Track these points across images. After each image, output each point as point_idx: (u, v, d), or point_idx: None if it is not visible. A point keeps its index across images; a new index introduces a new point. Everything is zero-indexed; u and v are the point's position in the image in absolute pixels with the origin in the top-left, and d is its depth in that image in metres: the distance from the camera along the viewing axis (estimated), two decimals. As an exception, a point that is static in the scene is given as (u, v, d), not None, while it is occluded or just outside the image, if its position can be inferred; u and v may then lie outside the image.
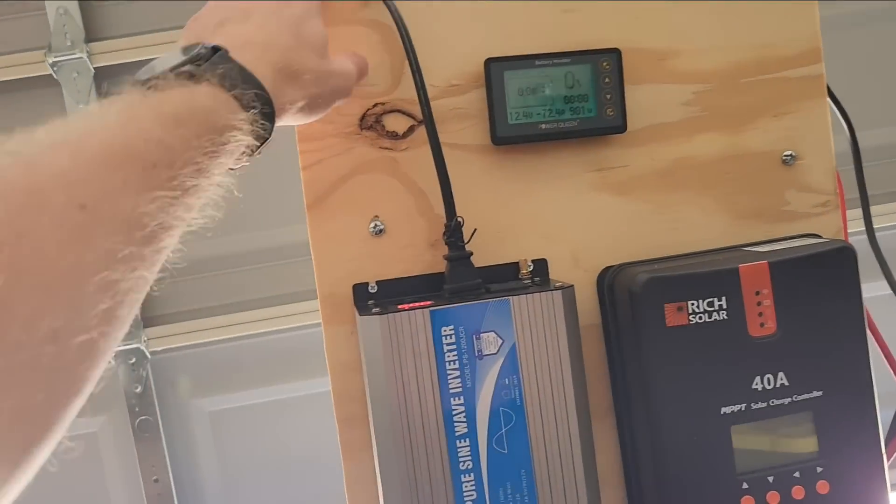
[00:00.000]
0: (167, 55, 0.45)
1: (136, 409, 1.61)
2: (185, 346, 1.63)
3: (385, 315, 0.54)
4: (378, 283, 0.61)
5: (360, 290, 0.61)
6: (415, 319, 0.54)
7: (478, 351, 0.55)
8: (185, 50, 0.45)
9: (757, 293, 0.57)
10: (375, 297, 0.61)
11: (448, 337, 0.54)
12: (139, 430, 1.61)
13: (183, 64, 0.44)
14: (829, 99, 0.67)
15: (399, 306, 0.56)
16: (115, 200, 0.34)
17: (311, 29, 0.52)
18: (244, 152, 0.45)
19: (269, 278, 1.62)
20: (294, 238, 1.56)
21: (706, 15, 0.65)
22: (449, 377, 0.54)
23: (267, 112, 0.46)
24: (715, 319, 0.57)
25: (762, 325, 0.57)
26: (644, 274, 0.57)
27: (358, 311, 0.57)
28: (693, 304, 0.56)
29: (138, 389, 1.60)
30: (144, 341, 1.59)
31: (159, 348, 1.61)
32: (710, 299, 0.57)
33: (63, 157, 0.34)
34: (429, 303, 0.56)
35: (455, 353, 0.54)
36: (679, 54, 0.64)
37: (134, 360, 1.59)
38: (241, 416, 1.66)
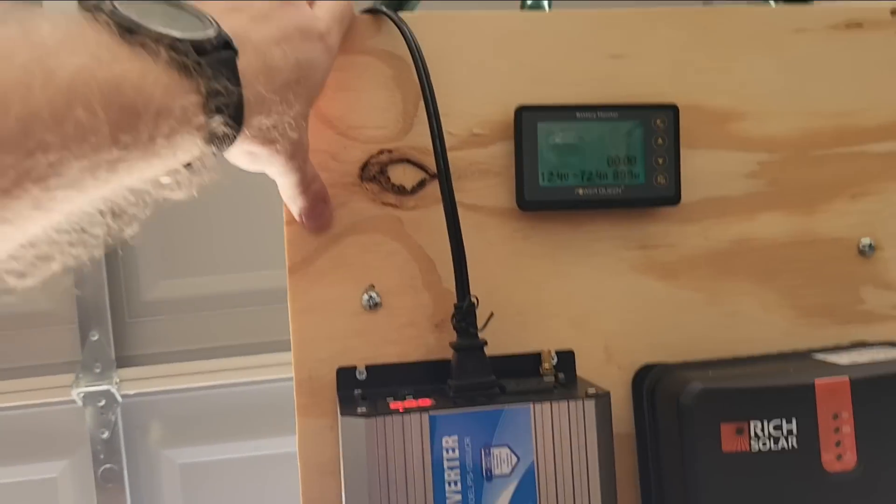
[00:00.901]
0: (163, 5, 0.35)
1: (101, 457, 1.48)
2: (159, 390, 1.50)
3: (373, 418, 0.43)
4: (368, 368, 0.50)
5: (345, 376, 0.50)
6: (410, 425, 0.43)
7: (486, 470, 0.43)
8: (191, 20, 0.35)
9: (835, 417, 0.46)
10: (364, 386, 0.50)
11: (450, 450, 0.43)
12: (102, 479, 1.48)
13: (181, 41, 0.33)
14: (914, 181, 0.57)
15: (391, 404, 0.45)
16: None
17: (320, 78, 0.43)
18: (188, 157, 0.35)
19: (257, 323, 1.51)
20: (285, 282, 1.46)
21: (777, 73, 0.55)
22: (448, 502, 0.43)
23: (232, 116, 0.35)
24: (783, 448, 0.45)
25: (839, 457, 0.46)
26: (697, 383, 0.46)
27: (340, 407, 0.46)
28: (756, 426, 0.45)
29: (105, 435, 1.47)
30: (116, 383, 1.47)
31: (132, 392, 1.48)
32: (778, 421, 0.46)
33: None
34: (428, 402, 0.45)
35: (458, 470, 0.43)
36: (744, 117, 0.54)
37: (103, 402, 1.47)
38: (214, 471, 1.53)
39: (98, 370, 1.46)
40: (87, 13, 0.32)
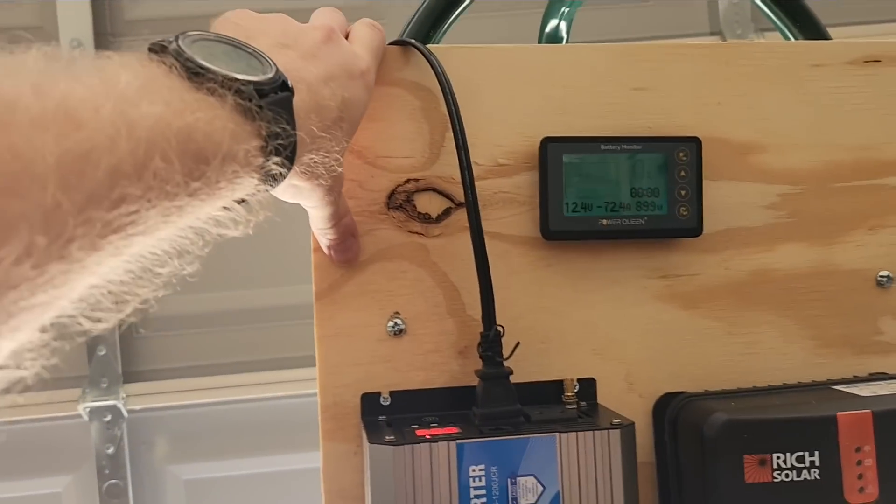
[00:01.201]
0: (224, 46, 0.36)
1: (106, 472, 1.48)
2: (165, 406, 1.51)
3: (401, 447, 0.43)
4: (392, 394, 0.51)
5: (369, 402, 0.50)
6: (437, 454, 0.43)
7: (512, 499, 0.44)
8: (250, 60, 0.36)
9: (857, 450, 0.46)
10: (388, 412, 0.50)
11: (477, 479, 0.43)
12: (107, 494, 1.48)
13: (247, 84, 0.34)
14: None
15: (418, 431, 0.45)
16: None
17: (360, 114, 0.44)
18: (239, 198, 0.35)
19: (263, 340, 1.52)
20: (293, 299, 1.46)
21: (797, 106, 0.56)
22: (474, 531, 0.43)
23: (287, 157, 0.36)
24: (805, 479, 0.46)
25: (861, 489, 0.46)
26: (721, 414, 0.47)
27: (367, 433, 0.46)
28: (779, 459, 0.46)
29: (110, 450, 1.47)
30: (122, 398, 1.47)
31: (138, 407, 1.49)
32: (801, 454, 0.46)
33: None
34: (455, 430, 0.45)
35: (484, 499, 0.43)
36: (766, 149, 0.55)
37: (109, 417, 1.47)
38: (219, 488, 1.53)
39: (105, 385, 1.47)
40: (154, 55, 0.33)
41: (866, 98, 0.56)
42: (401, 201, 0.52)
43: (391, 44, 0.52)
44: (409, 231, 0.52)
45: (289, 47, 0.41)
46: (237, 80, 0.33)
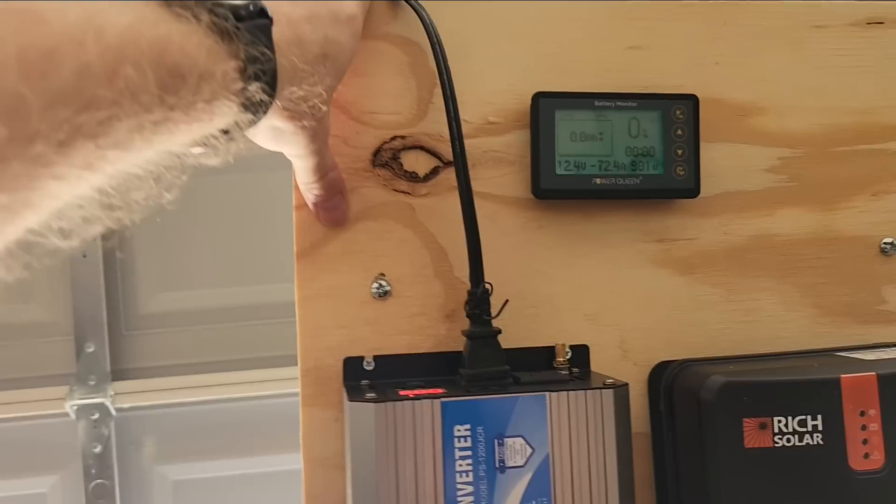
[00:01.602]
0: None
1: (93, 472, 1.45)
2: (154, 405, 1.48)
3: (383, 404, 0.41)
4: (376, 358, 0.48)
5: (352, 366, 0.48)
6: (421, 412, 0.41)
7: (499, 461, 0.41)
8: None
9: (862, 414, 0.44)
10: (371, 377, 0.48)
11: (462, 439, 0.41)
12: (93, 495, 1.45)
13: (220, 6, 0.32)
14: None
15: (401, 392, 0.43)
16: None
17: (345, 60, 0.43)
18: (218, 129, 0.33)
19: (254, 338, 1.49)
20: (286, 297, 1.44)
21: (797, 68, 0.54)
22: (458, 493, 0.41)
23: (268, 83, 0.34)
24: (807, 444, 0.44)
25: (867, 455, 0.44)
26: (719, 377, 0.44)
27: (347, 394, 0.44)
28: (780, 422, 0.44)
29: (97, 449, 1.44)
30: (111, 396, 1.44)
31: (126, 405, 1.46)
32: (803, 417, 0.44)
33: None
34: (440, 391, 0.43)
35: (470, 461, 0.41)
36: (764, 111, 0.53)
37: (97, 415, 1.44)
38: (208, 489, 1.50)
39: (93, 382, 1.44)
40: None
41: (869, 61, 0.55)
42: (387, 159, 0.50)
43: (379, -2, 0.50)
44: (395, 190, 0.50)
45: None
46: (211, 1, 0.32)
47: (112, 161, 0.29)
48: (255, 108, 0.34)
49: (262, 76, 0.34)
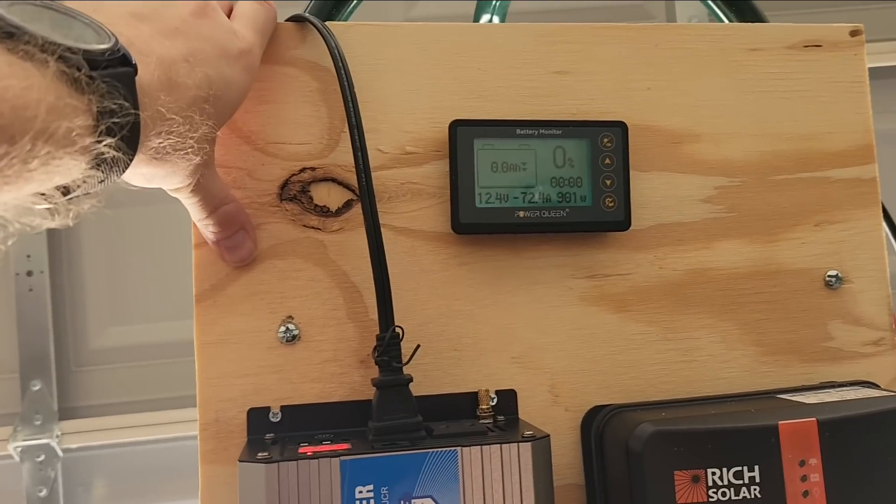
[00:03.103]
0: (52, 13, 0.30)
1: (38, 517, 1.39)
2: (104, 444, 1.42)
3: (274, 465, 0.37)
4: (283, 408, 0.45)
5: (257, 418, 0.44)
6: (317, 472, 0.37)
7: (406, 525, 0.38)
8: (84, 30, 0.30)
9: (801, 463, 0.41)
10: (278, 429, 0.44)
11: (365, 501, 0.37)
12: (38, 541, 1.38)
13: (76, 52, 0.28)
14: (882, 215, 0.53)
15: (302, 448, 0.39)
16: None
17: (235, 97, 0.40)
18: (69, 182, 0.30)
19: (210, 373, 1.44)
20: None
21: (733, 93, 0.51)
22: (360, 563, 0.37)
23: (125, 138, 0.31)
24: (744, 497, 0.40)
25: (809, 508, 0.41)
26: (648, 425, 0.41)
27: (244, 452, 0.40)
28: (714, 475, 0.40)
29: (42, 493, 1.38)
30: (57, 436, 1.39)
31: (73, 445, 1.40)
32: (739, 469, 0.40)
33: None
34: (345, 446, 0.39)
35: (372, 525, 0.37)
36: (700, 138, 0.51)
37: (42, 457, 1.38)
38: (160, 532, 1.44)
39: (38, 422, 1.38)
40: None
41: (807, 85, 0.52)
42: (295, 192, 0.46)
43: (287, 20, 0.47)
44: (305, 225, 0.46)
45: (145, 20, 0.36)
46: (61, 45, 0.28)
47: None
48: (109, 167, 0.30)
49: (117, 131, 0.30)
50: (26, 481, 1.38)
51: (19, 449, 1.37)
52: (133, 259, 1.43)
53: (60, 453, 1.39)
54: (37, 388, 1.39)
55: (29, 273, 1.40)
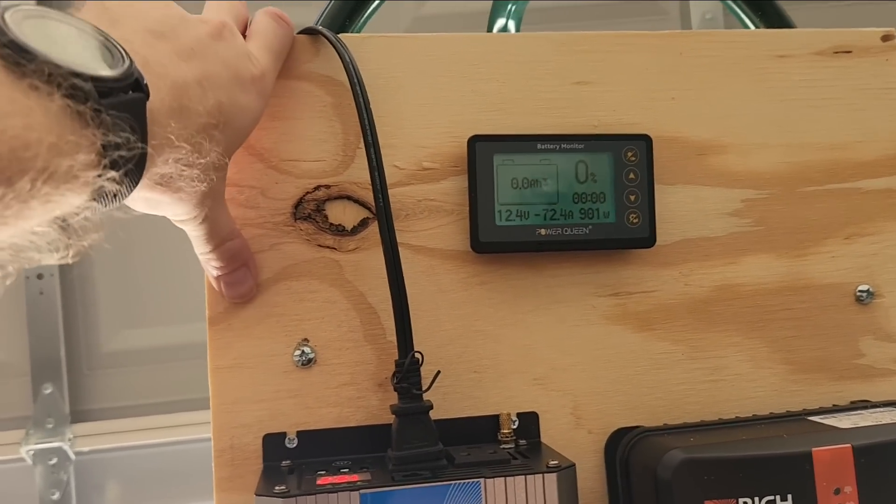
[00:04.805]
0: (67, 28, 0.29)
1: (51, 520, 1.39)
2: (117, 447, 1.42)
3: (293, 499, 0.36)
4: (300, 434, 0.43)
5: (272, 444, 0.43)
6: (337, 507, 0.36)
7: (428, 560, 0.36)
8: (98, 49, 0.29)
9: (836, 492, 0.40)
10: (295, 455, 0.43)
11: (385, 536, 0.36)
12: (51, 544, 1.38)
13: (86, 79, 0.27)
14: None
15: (321, 479, 0.38)
16: None
17: (247, 124, 0.39)
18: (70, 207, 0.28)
19: (221, 375, 1.43)
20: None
21: (760, 102, 0.50)
22: None
23: (130, 171, 0.29)
24: (778, 528, 0.39)
25: (844, 538, 0.39)
26: (677, 452, 0.40)
27: (260, 482, 0.39)
28: (746, 504, 0.39)
29: (55, 496, 1.38)
30: (69, 439, 1.38)
31: (86, 448, 1.40)
32: (771, 498, 0.39)
33: None
34: (364, 476, 0.38)
35: (394, 561, 0.36)
36: (726, 149, 0.49)
37: (55, 460, 1.38)
38: (174, 534, 1.44)
39: (50, 426, 1.38)
40: None
41: (837, 92, 0.50)
42: (309, 211, 0.45)
43: (300, 33, 0.46)
44: (320, 245, 0.45)
45: (163, 38, 0.34)
46: (72, 72, 0.27)
47: None
48: (110, 199, 0.29)
49: (122, 164, 0.28)
50: (39, 485, 1.38)
51: (32, 452, 1.37)
52: (144, 261, 1.43)
53: (73, 456, 1.39)
54: (48, 391, 1.39)
55: (39, 276, 1.40)
